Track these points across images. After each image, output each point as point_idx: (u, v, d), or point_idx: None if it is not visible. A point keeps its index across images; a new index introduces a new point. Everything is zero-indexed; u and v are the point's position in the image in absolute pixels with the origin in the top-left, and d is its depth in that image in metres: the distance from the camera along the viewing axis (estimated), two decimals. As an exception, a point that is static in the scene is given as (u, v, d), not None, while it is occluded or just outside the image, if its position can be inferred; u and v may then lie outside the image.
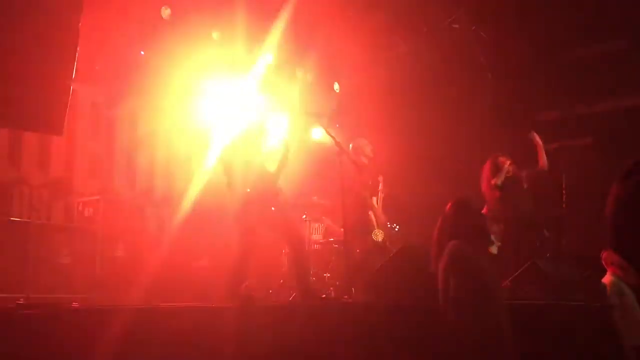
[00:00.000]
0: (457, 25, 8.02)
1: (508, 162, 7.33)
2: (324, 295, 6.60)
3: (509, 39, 8.33)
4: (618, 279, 6.00)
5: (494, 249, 7.23)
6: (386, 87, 9.37)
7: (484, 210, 7.20)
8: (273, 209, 5.53)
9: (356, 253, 6.90)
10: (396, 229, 8.19)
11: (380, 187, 7.41)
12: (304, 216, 7.93)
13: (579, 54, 8.54)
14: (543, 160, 7.42)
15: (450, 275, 3.91)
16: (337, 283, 7.42)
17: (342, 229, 6.42)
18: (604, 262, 6.30)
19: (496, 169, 7.31)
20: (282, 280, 7.27)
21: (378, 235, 6.99)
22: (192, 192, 8.80)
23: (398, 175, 9.63)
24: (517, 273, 6.23)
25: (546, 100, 8.96)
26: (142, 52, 8.37)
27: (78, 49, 3.82)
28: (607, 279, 6.05)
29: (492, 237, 7.05)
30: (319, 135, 9.18)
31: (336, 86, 9.69)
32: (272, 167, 5.63)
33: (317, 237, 8.06)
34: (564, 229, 7.91)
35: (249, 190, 5.37)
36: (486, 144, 8.22)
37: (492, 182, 7.26)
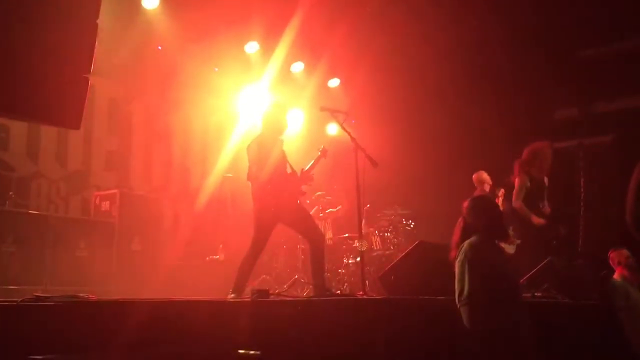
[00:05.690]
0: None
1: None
2: (338, 291, 6.60)
3: (528, 36, 8.24)
4: (624, 281, 5.93)
5: (512, 248, 7.18)
6: (404, 85, 9.34)
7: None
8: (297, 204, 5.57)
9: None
10: (411, 225, 8.18)
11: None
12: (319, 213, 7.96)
13: (598, 51, 8.43)
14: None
15: (465, 273, 3.90)
16: (352, 279, 7.44)
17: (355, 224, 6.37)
18: (611, 262, 6.24)
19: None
20: (296, 276, 7.29)
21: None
22: (208, 186, 8.88)
23: (414, 173, 9.62)
24: (533, 271, 6.19)
25: (565, 97, 8.86)
26: (160, 47, 8.45)
27: (96, 43, 3.84)
28: (614, 280, 5.98)
29: (512, 233, 6.99)
30: (335, 131, 9.25)
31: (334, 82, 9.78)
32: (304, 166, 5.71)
33: (328, 234, 8.07)
34: (581, 227, 7.83)
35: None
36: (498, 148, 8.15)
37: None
